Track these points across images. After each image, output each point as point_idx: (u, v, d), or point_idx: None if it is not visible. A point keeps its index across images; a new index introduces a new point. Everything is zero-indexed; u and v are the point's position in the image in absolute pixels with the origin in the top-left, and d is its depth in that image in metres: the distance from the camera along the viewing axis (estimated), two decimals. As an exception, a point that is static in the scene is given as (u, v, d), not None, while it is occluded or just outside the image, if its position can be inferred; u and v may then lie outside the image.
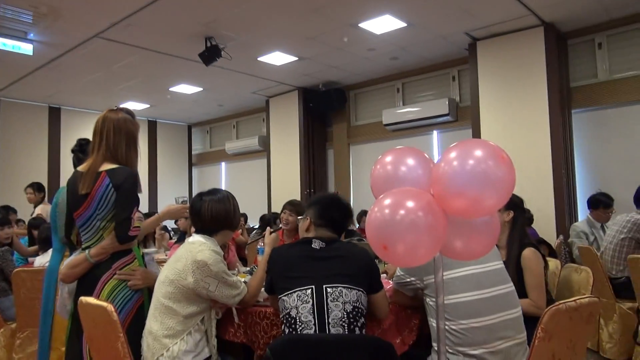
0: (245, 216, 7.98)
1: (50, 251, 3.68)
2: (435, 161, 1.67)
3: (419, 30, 6.08)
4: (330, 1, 5.19)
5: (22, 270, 3.32)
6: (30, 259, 4.21)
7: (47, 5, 5.16)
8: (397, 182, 1.34)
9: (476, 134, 6.48)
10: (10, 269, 3.58)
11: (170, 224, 7.80)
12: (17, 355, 3.35)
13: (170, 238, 6.27)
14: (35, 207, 5.69)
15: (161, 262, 4.27)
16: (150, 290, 2.25)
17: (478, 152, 1.25)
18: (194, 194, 11.56)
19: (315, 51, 6.77)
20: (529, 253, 2.37)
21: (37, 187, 5.83)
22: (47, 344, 2.59)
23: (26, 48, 6.06)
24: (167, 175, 11.22)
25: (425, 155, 1.44)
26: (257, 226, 7.72)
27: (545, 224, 5.66)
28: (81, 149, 2.67)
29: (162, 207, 6.79)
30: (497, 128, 6.31)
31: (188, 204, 2.54)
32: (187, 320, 1.99)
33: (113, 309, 1.77)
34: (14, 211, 5.40)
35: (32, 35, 5.92)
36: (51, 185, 9.29)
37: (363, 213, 7.13)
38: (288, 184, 8.91)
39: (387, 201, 1.27)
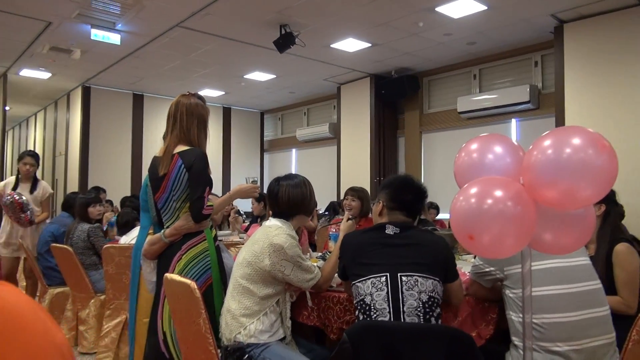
0: (315, 202, 8.07)
1: (133, 230, 3.94)
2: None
3: (500, 13, 5.79)
4: (406, -15, 5.07)
5: (111, 246, 3.56)
6: (116, 237, 4.50)
7: (133, -3, 5.44)
8: (484, 171, 1.28)
9: (560, 122, 6.10)
10: (100, 244, 3.85)
11: (244, 207, 8.05)
12: (106, 324, 3.62)
13: (244, 222, 6.47)
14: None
15: (235, 245, 4.43)
16: (220, 273, 2.33)
17: (576, 140, 1.16)
18: (265, 179, 11.94)
19: (388, 37, 6.65)
20: (622, 248, 2.20)
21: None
22: (134, 315, 2.76)
23: (114, 38, 6.44)
24: (240, 160, 11.57)
25: (514, 142, 1.36)
26: (326, 212, 7.79)
27: (637, 221, 5.25)
28: None
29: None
30: (582, 116, 5.89)
31: (258, 184, 2.64)
32: (263, 301, 2.05)
33: (196, 287, 1.86)
34: (104, 191, 5.79)
35: (119, 25, 6.28)
36: (134, 166, 9.90)
37: (430, 205, 6.95)
38: (357, 171, 8.89)
39: (474, 190, 1.21)
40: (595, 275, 1.91)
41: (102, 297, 3.82)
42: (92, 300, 3.84)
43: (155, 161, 2.38)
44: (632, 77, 5.51)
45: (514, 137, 7.33)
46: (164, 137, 2.45)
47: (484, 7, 5.60)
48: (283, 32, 6.17)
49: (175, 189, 2.26)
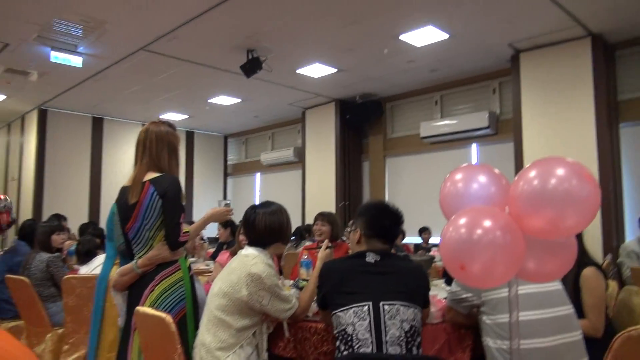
0: (291, 230, 7.99)
1: (95, 260, 3.78)
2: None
3: (461, 41, 6.02)
4: (371, 13, 5.19)
5: (73, 277, 3.40)
6: (75, 267, 4.30)
7: (96, 20, 5.34)
8: (470, 200, 1.30)
9: (518, 148, 6.33)
10: (60, 274, 3.67)
11: (207, 232, 7.88)
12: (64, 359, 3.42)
13: (208, 248, 6.33)
14: None
15: (202, 272, 4.32)
16: (193, 303, 2.26)
17: (560, 171, 1.20)
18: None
19: (354, 63, 6.77)
20: (590, 272, 2.27)
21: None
22: (95, 350, 2.63)
23: (76, 61, 6.28)
24: (203, 184, 11.39)
25: (497, 171, 1.39)
26: (292, 237, 7.73)
27: (591, 243, 5.45)
28: None
29: (197, 215, 6.84)
30: (539, 142, 6.15)
31: (231, 207, 2.63)
32: (239, 333, 1.99)
33: (172, 320, 1.78)
34: (65, 219, 5.54)
35: (81, 48, 6.13)
36: (92, 192, 9.57)
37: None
38: (323, 195, 8.90)
39: (463, 220, 1.23)
40: (568, 300, 1.96)
41: (60, 330, 3.61)
42: (49, 335, 3.62)
43: (124, 190, 2.31)
44: (581, 105, 5.80)
45: (474, 162, 7.54)
46: (134, 165, 2.38)
47: (446, 36, 5.81)
48: (250, 57, 6.19)
49: (147, 218, 2.19)
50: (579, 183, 1.18)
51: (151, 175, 2.24)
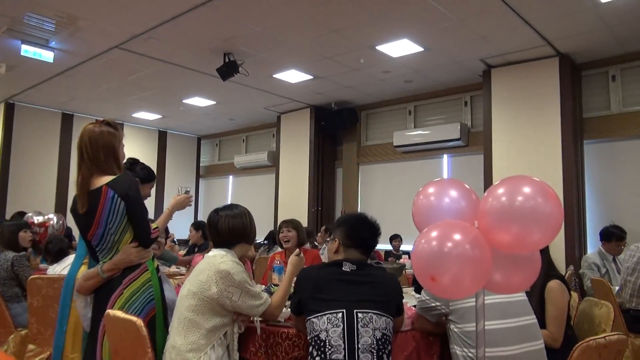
0: (255, 231, 7.98)
1: (65, 259, 3.70)
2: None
3: (435, 55, 6.16)
4: (350, 23, 5.27)
5: (39, 277, 3.32)
6: (42, 266, 4.20)
7: (71, 15, 5.25)
8: (441, 213, 1.36)
9: (487, 160, 6.51)
10: (26, 274, 3.58)
11: (179, 234, 7.81)
12: (27, 362, 3.34)
13: (179, 250, 6.28)
14: None
15: (173, 276, 4.28)
16: (162, 304, 2.25)
17: (527, 189, 1.27)
18: (200, 206, 11.60)
19: (330, 71, 6.84)
20: (555, 285, 2.37)
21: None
22: (61, 351, 2.58)
23: (47, 55, 6.14)
24: (175, 185, 11.23)
25: (467, 186, 1.45)
26: (264, 241, 7.72)
27: (554, 254, 5.62)
28: (130, 168, 2.69)
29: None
30: (508, 155, 6.34)
31: (192, 194, 2.65)
32: (210, 334, 2.00)
33: (143, 324, 1.78)
34: (22, 214, 5.39)
35: (53, 43, 6.00)
36: (59, 191, 9.34)
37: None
38: (295, 200, 8.92)
39: (434, 233, 1.28)
40: (531, 310, 2.04)
41: (23, 332, 3.53)
42: (12, 336, 3.53)
43: (75, 200, 2.26)
44: (548, 121, 6.02)
45: (445, 172, 7.70)
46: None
47: (421, 49, 5.94)
48: (227, 60, 6.18)
49: (111, 222, 2.14)
50: (544, 201, 1.25)
51: (104, 179, 2.17)
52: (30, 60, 6.36)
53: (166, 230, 4.28)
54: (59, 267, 3.59)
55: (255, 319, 2.18)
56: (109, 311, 1.95)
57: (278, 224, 3.82)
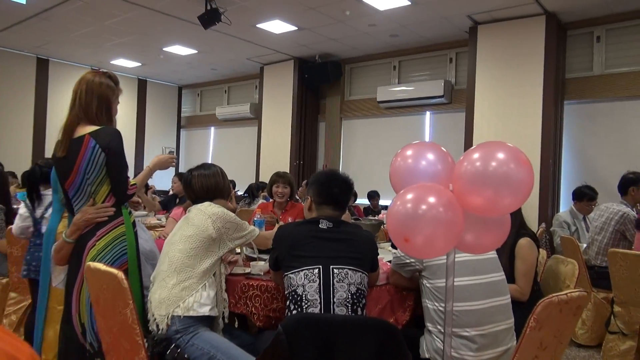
0: (233, 183, 8.00)
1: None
2: (427, 139, 1.74)
3: (422, 9, 6.05)
4: (336, -27, 5.12)
5: (18, 227, 3.32)
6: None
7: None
8: (418, 176, 1.39)
9: (469, 117, 6.55)
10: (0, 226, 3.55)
11: (160, 186, 7.79)
12: (10, 309, 3.38)
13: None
14: None
15: (154, 228, 4.30)
16: (137, 258, 2.28)
17: (501, 154, 1.30)
18: (181, 157, 11.51)
19: (315, 22, 6.68)
20: (524, 242, 2.47)
21: None
22: (46, 302, 2.62)
23: (19, -4, 5.86)
24: (155, 135, 11.11)
25: (444, 149, 1.48)
26: (245, 194, 7.75)
27: (528, 212, 5.78)
28: None
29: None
30: (490, 113, 6.38)
31: (175, 155, 2.67)
32: (201, 274, 2.08)
33: (124, 277, 1.81)
34: (1, 165, 5.27)
35: (25, -17, 5.72)
36: (37, 137, 9.15)
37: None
38: (277, 154, 8.92)
39: (410, 195, 1.32)
40: (500, 267, 2.13)
41: (4, 280, 3.55)
42: (-8, 285, 3.56)
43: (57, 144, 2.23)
44: (531, 80, 6.05)
45: (427, 129, 7.74)
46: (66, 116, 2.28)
47: (408, 2, 5.82)
48: (209, 7, 5.97)
49: (89, 172, 2.12)
50: (516, 167, 1.29)
51: (88, 128, 2.14)
52: (1, 2, 6.07)
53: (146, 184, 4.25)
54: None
55: (240, 249, 2.40)
56: (89, 264, 1.97)
57: (270, 177, 3.81)
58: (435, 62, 7.67)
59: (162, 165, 2.56)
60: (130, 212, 2.32)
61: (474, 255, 2.03)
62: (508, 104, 6.22)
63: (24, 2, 6.03)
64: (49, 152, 9.25)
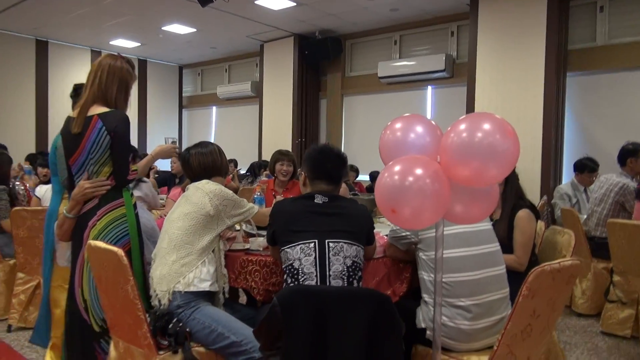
0: (235, 162, 8.03)
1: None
2: (429, 116, 1.74)
3: (422, -18, 5.95)
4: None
5: (23, 209, 3.37)
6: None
7: None
8: (406, 148, 1.41)
9: (470, 91, 6.50)
10: (3, 207, 3.60)
11: (162, 167, 7.83)
12: (18, 288, 3.47)
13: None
14: None
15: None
16: (139, 240, 2.32)
17: (486, 126, 1.31)
18: (184, 137, 11.54)
19: (314, -3, 6.60)
20: (523, 214, 2.50)
21: None
22: (49, 281, 2.69)
23: (14, -22, 5.81)
24: (157, 116, 11.10)
25: (433, 122, 1.49)
26: (247, 173, 7.79)
27: (530, 185, 5.82)
28: (76, 94, 2.68)
29: (151, 147, 6.74)
30: (491, 87, 6.33)
31: (177, 145, 2.70)
32: (200, 251, 2.13)
33: (123, 254, 1.85)
34: (5, 148, 5.32)
35: (20, -36, 5.67)
36: (39, 120, 9.19)
37: (350, 168, 7.16)
38: (279, 132, 8.92)
39: (397, 167, 1.34)
40: (495, 238, 2.16)
41: (11, 261, 3.63)
42: (0, 265, 3.64)
43: (70, 121, 2.26)
44: (533, 53, 5.97)
45: (429, 104, 7.70)
46: (81, 96, 2.32)
47: (408, -25, 5.73)
48: (205, -16, 5.91)
49: (93, 152, 2.17)
50: (502, 138, 1.30)
51: (99, 109, 2.20)
52: (-4, -17, 6.03)
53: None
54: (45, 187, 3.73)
55: (239, 226, 2.47)
56: (91, 242, 2.02)
57: (272, 155, 3.81)
58: (436, 36, 7.58)
59: (164, 154, 2.68)
60: (132, 195, 2.37)
61: (467, 227, 2.06)
62: (509, 77, 6.17)
63: (20, -16, 5.98)
64: (53, 135, 9.27)
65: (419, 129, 1.43)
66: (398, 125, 1.46)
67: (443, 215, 1.39)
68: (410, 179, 1.29)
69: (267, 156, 8.50)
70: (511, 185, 2.63)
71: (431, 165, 1.33)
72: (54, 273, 2.67)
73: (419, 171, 1.30)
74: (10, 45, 8.80)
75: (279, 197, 3.16)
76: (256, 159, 8.76)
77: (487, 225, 2.15)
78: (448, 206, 1.36)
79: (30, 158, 5.81)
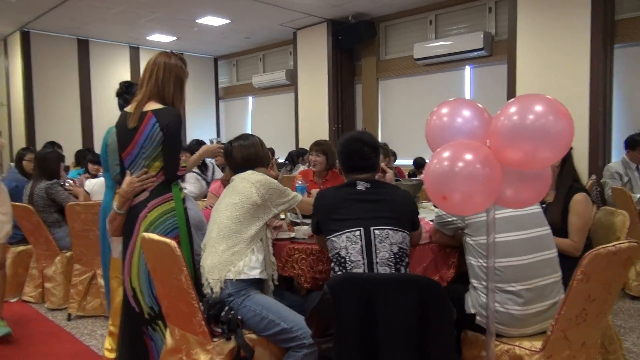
0: (272, 151, 8.10)
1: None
2: (468, 97, 1.70)
3: (457, -42, 5.78)
4: None
5: (76, 204, 3.53)
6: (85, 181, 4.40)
7: None
8: (454, 133, 1.39)
9: (511, 70, 6.30)
10: (61, 197, 3.78)
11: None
12: (75, 279, 3.64)
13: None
14: None
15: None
16: (188, 235, 2.39)
17: (538, 107, 1.27)
18: (221, 128, 11.69)
19: (346, -19, 6.52)
20: (581, 198, 2.44)
21: None
22: (108, 272, 2.81)
23: (55, -20, 6.00)
24: (194, 108, 11.28)
25: (480, 105, 1.46)
26: (286, 161, 7.85)
27: (577, 164, 5.58)
28: (127, 90, 2.76)
29: (190, 139, 6.85)
30: (533, 63, 6.11)
31: (222, 144, 2.85)
32: (249, 240, 2.18)
33: (176, 245, 1.92)
34: (59, 146, 5.54)
35: (60, -34, 5.84)
36: (84, 117, 9.51)
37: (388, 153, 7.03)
38: (315, 119, 8.92)
39: (447, 153, 1.32)
40: (545, 221, 2.11)
41: (68, 253, 3.81)
42: (58, 258, 3.83)
43: (125, 116, 2.33)
44: (577, 25, 5.71)
45: (467, 84, 7.52)
46: (137, 92, 2.38)
47: (442, -48, 5.58)
48: (238, -25, 5.93)
49: (146, 147, 2.24)
50: (554, 119, 1.26)
51: (154, 105, 2.25)
52: (39, -14, 6.24)
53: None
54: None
55: (284, 215, 2.58)
56: (144, 234, 2.09)
57: (309, 144, 3.86)
58: (473, 13, 7.36)
59: (210, 154, 2.81)
60: (180, 189, 2.43)
61: (517, 211, 2.01)
62: (553, 52, 5.93)
63: (61, -15, 6.17)
64: (97, 131, 9.61)
65: (466, 112, 1.41)
66: (444, 110, 1.44)
67: (494, 200, 1.36)
68: (461, 164, 1.28)
69: (303, 144, 8.54)
70: (568, 167, 2.56)
71: (481, 150, 1.30)
72: (111, 264, 2.79)
73: (469, 156, 1.28)
74: (54, 46, 9.12)
75: (314, 191, 3.15)
76: (293, 147, 8.81)
77: (537, 208, 2.09)
78: (499, 191, 1.33)
79: (78, 154, 6.03)
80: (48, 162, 3.92)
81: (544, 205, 2.38)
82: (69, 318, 3.62)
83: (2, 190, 3.22)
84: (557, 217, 2.41)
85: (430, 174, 1.32)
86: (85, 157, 5.26)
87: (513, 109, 1.30)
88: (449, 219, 2.16)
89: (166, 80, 2.28)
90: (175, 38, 9.59)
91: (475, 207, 1.33)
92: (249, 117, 11.27)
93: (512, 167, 1.34)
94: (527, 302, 1.95)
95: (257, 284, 2.18)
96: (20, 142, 8.77)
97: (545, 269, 2.02)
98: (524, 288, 1.96)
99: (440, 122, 1.43)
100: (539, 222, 2.06)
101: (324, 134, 8.47)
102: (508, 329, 1.97)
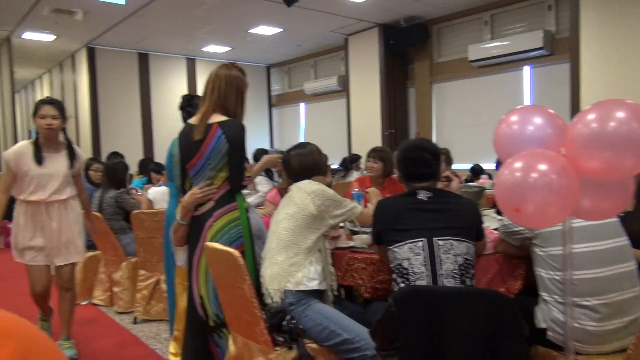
0: (325, 157, 8.11)
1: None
2: (528, 98, 1.62)
3: (515, -44, 5.60)
4: None
5: (141, 212, 3.67)
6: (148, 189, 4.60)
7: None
8: (525, 142, 1.32)
9: (574, 69, 6.02)
10: (130, 204, 3.96)
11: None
12: (140, 284, 3.79)
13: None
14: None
15: (258, 206, 4.54)
16: (251, 242, 2.42)
17: (620, 113, 1.19)
18: (274, 135, 11.86)
19: (398, -15, 6.47)
20: None
21: None
22: (172, 279, 2.90)
23: (119, -1, 6.32)
24: (248, 116, 11.11)
25: (551, 111, 1.39)
26: (340, 167, 7.84)
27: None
28: (189, 104, 2.85)
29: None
30: (598, 63, 5.81)
31: (281, 154, 2.83)
32: (307, 251, 2.18)
33: (239, 255, 1.95)
34: (122, 156, 5.80)
35: (123, -15, 6.15)
36: (145, 128, 9.92)
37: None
38: (368, 124, 8.87)
39: (519, 164, 1.26)
40: (623, 232, 1.97)
41: (134, 259, 3.97)
42: (124, 263, 4.00)
43: (189, 128, 2.39)
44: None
45: (527, 85, 7.25)
46: (200, 105, 2.45)
47: (499, -49, 5.42)
48: (290, -15, 6.02)
49: (212, 159, 2.28)
50: (638, 125, 1.18)
51: (219, 117, 2.29)
52: (104, 4, 6.59)
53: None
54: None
55: (343, 223, 2.49)
56: (208, 244, 2.14)
57: (363, 150, 3.84)
58: (531, 11, 7.10)
59: (270, 164, 2.90)
60: (244, 199, 2.48)
61: (592, 221, 1.90)
62: (618, 51, 5.61)
63: (124, 3, 6.48)
64: (157, 141, 10.01)
65: (538, 120, 1.34)
66: (514, 117, 1.38)
67: (571, 213, 1.29)
68: (535, 175, 1.22)
69: (356, 150, 8.50)
70: None
71: (557, 160, 1.24)
72: (175, 271, 2.88)
73: (543, 166, 1.22)
74: (117, 61, 9.60)
75: (371, 190, 3.09)
76: (345, 153, 8.80)
77: (613, 217, 1.97)
78: (576, 202, 1.26)
79: (142, 164, 6.29)
80: (117, 172, 4.12)
81: (621, 215, 2.24)
82: (135, 321, 3.77)
83: None
84: (637, 227, 2.25)
85: (502, 185, 1.27)
86: (148, 166, 5.47)
87: (592, 116, 1.23)
88: (516, 229, 2.07)
89: (228, 92, 2.32)
90: (230, 48, 9.84)
91: (551, 219, 1.26)
92: (301, 124, 11.38)
93: (590, 177, 1.27)
94: (604, 318, 1.83)
95: (317, 294, 2.18)
96: (86, 152, 9.27)
97: (624, 282, 1.89)
98: (601, 303, 1.85)
99: (510, 130, 1.37)
100: (616, 233, 1.94)
101: (376, 139, 8.41)
102: (584, 345, 1.86)
